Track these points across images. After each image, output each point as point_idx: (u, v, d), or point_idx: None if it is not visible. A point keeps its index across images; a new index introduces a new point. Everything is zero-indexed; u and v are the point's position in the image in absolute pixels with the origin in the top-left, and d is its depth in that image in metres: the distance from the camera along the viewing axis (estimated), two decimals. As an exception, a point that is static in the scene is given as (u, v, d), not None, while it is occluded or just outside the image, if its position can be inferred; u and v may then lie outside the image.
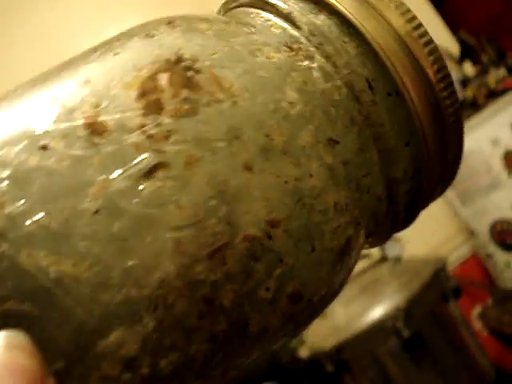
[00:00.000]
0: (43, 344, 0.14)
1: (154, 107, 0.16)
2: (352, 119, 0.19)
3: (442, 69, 0.20)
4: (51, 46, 0.86)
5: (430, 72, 0.20)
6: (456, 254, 1.37)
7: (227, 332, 0.17)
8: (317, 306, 0.19)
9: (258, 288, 0.17)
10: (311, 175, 0.17)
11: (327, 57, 0.19)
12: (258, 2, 0.20)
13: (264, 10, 0.20)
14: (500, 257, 1.28)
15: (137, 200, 0.15)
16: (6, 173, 0.15)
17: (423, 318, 0.95)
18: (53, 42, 0.86)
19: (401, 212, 0.21)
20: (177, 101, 0.16)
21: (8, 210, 0.15)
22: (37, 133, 0.16)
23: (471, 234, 1.42)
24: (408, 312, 0.91)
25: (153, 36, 0.18)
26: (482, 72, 1.63)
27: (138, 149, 0.16)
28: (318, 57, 0.19)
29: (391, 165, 0.20)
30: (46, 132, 0.16)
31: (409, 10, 0.20)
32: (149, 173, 0.16)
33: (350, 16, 0.19)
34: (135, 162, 0.16)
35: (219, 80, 0.17)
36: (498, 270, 1.27)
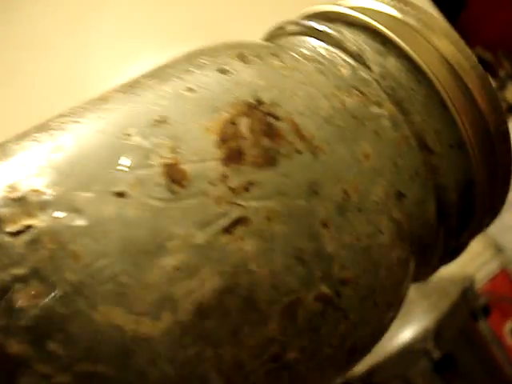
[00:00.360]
0: None
1: (234, 156, 0.15)
2: (417, 171, 0.18)
3: (497, 109, 0.20)
4: (68, 83, 0.83)
5: (490, 120, 0.20)
6: (484, 271, 1.37)
7: None
8: (367, 352, 0.19)
9: (322, 345, 0.16)
10: (381, 232, 0.17)
11: (397, 104, 0.18)
12: (320, 33, 0.20)
13: (326, 42, 0.20)
14: None
15: (217, 256, 0.15)
16: (81, 220, 0.14)
17: (453, 338, 0.94)
18: (70, 78, 0.83)
19: (450, 250, 0.21)
20: (258, 150, 0.16)
21: (84, 262, 0.14)
22: (110, 177, 0.15)
23: (499, 250, 1.43)
24: (438, 333, 0.90)
25: (227, 72, 0.17)
26: (500, 87, 1.63)
27: (219, 202, 0.15)
28: (387, 104, 0.18)
29: (447, 216, 0.20)
30: (122, 177, 0.15)
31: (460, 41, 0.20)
32: (230, 228, 0.15)
33: (421, 63, 0.19)
34: (216, 216, 0.15)
35: (300, 129, 0.16)
36: None
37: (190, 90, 0.16)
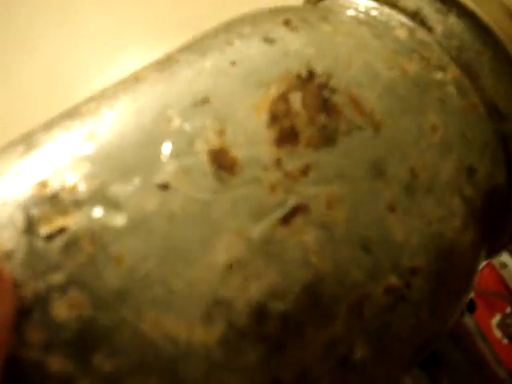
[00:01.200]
0: None
1: (288, 136, 0.14)
2: (487, 142, 0.16)
3: None
4: (57, 76, 0.82)
5: None
6: None
7: None
8: (434, 345, 0.17)
9: (392, 342, 0.15)
10: (453, 213, 0.15)
11: (463, 67, 0.16)
12: None
13: (379, 2, 0.17)
14: None
15: (274, 251, 0.13)
16: (122, 218, 0.12)
17: None
18: (58, 71, 0.82)
19: None
20: (313, 128, 0.14)
21: (127, 266, 0.12)
22: (150, 167, 0.13)
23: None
24: None
25: (273, 41, 0.15)
26: None
27: (275, 189, 0.13)
28: (452, 67, 0.16)
29: None
30: (164, 166, 0.13)
31: None
32: (287, 218, 0.13)
33: (487, 20, 0.16)
34: (272, 205, 0.13)
35: (359, 102, 0.14)
36: None
37: (233, 63, 0.14)
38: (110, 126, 0.14)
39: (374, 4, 0.17)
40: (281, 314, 0.13)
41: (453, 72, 0.16)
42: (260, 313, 0.13)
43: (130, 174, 0.13)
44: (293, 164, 0.13)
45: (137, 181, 0.13)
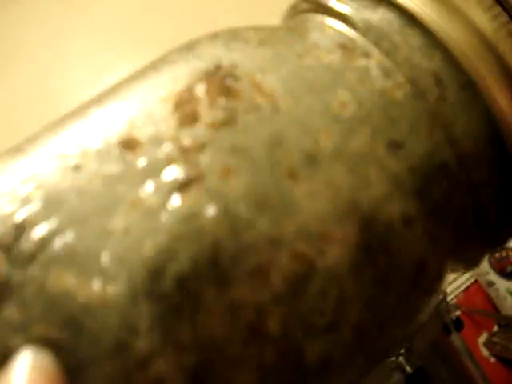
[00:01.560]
0: (72, 369, 0.13)
1: (189, 118, 0.15)
2: (419, 119, 0.16)
3: None
4: (46, 88, 0.89)
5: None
6: (458, 281, 1.27)
7: (278, 363, 0.15)
8: (389, 338, 0.16)
9: (310, 312, 0.15)
10: (369, 183, 0.15)
11: (387, 52, 0.17)
12: (313, 5, 0.19)
13: (319, 12, 0.19)
14: (501, 284, 1.16)
15: (168, 217, 0.14)
16: (38, 193, 0.15)
17: (426, 352, 0.91)
18: (48, 84, 0.89)
19: (489, 226, 0.18)
20: (214, 110, 0.15)
21: (38, 231, 0.14)
22: (70, 152, 0.15)
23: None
24: (410, 347, 0.87)
25: (192, 48, 0.17)
26: None
27: (170, 161, 0.15)
28: (375, 53, 0.17)
29: (471, 170, 0.17)
30: (80, 152, 0.15)
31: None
32: (182, 186, 0.14)
33: (408, 4, 0.17)
34: (167, 175, 0.15)
35: (260, 85, 0.16)
36: (500, 298, 1.15)
37: (155, 68, 0.17)
38: (44, 130, 0.16)
39: (313, 15, 0.19)
40: (176, 274, 0.14)
41: (376, 57, 0.17)
42: (155, 272, 0.14)
43: (51, 158, 0.15)
44: (190, 141, 0.15)
45: (56, 164, 0.15)
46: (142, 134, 0.15)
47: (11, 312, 0.14)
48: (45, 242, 0.14)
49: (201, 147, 0.15)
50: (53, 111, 0.86)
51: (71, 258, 0.14)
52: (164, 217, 0.14)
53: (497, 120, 0.17)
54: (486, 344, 0.99)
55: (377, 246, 0.15)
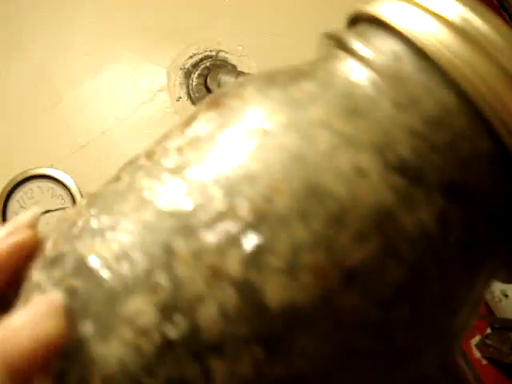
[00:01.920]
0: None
1: None
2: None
3: None
4: (47, 80, 0.87)
5: None
6: None
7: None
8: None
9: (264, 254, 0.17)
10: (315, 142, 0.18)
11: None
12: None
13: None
14: (496, 286, 1.15)
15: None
16: None
17: None
18: (49, 79, 0.87)
19: None
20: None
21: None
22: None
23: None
24: None
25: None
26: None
27: None
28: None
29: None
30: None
31: None
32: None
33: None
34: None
35: None
36: (495, 300, 1.14)
37: None
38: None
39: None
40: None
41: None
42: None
43: None
44: None
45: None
46: None
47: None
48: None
49: None
50: (54, 99, 0.85)
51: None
52: None
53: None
54: (479, 346, 0.99)
55: (327, 196, 0.17)
